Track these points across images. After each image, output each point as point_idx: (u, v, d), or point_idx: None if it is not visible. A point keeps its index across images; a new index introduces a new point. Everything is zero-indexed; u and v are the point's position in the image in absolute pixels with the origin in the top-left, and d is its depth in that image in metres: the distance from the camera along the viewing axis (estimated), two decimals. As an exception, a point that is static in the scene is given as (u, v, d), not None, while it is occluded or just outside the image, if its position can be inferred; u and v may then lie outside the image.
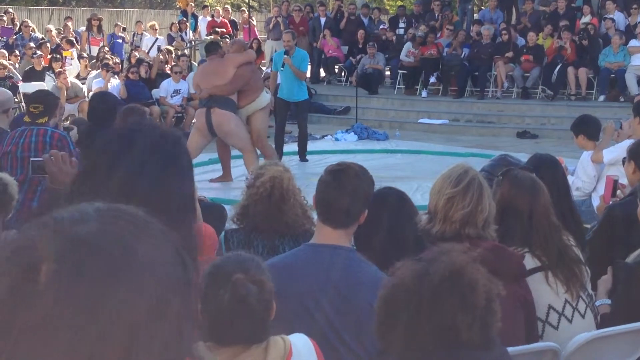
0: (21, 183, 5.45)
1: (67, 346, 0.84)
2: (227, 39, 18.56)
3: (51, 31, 18.16)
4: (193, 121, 14.49)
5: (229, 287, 2.29)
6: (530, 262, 3.35)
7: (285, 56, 11.49)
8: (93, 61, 16.48)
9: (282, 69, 11.55)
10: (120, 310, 0.86)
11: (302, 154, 12.01)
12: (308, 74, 11.85)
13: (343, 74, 18.95)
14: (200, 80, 10.04)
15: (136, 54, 17.05)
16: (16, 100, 10.90)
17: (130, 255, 0.90)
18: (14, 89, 13.11)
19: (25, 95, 13.27)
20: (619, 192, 5.01)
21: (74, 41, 16.70)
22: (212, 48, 10.53)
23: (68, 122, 10.91)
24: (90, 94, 12.52)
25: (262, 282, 2.35)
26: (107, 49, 17.23)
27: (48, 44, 16.46)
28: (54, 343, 0.84)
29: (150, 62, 15.80)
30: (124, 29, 19.82)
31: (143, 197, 2.02)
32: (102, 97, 6.96)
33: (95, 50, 17.70)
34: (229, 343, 2.33)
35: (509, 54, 16.27)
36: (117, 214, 0.95)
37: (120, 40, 18.62)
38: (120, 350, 0.86)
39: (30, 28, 17.74)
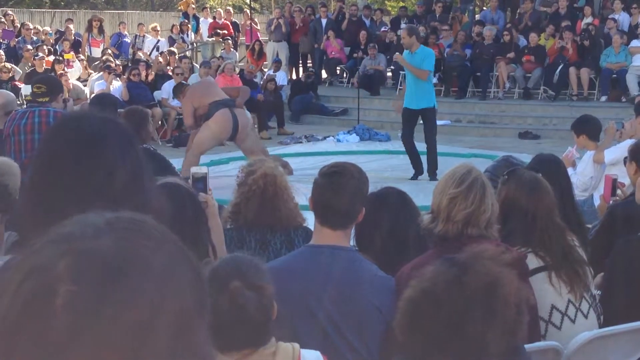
0: (26, 167, 5.45)
1: None
2: (229, 41, 18.60)
3: (47, 33, 18.18)
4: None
5: (227, 295, 2.25)
6: (533, 262, 3.35)
7: (397, 53, 10.69)
8: (96, 63, 16.49)
9: (402, 71, 10.77)
10: (138, 326, 0.84)
11: (432, 171, 10.20)
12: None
13: (345, 75, 18.97)
14: (202, 96, 9.75)
15: (140, 54, 17.08)
16: (18, 102, 10.91)
17: (147, 271, 0.87)
18: (15, 90, 13.14)
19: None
20: (619, 191, 5.02)
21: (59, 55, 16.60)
22: (180, 88, 10.70)
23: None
24: (92, 96, 12.55)
25: (261, 287, 2.32)
26: (109, 50, 17.23)
27: (56, 47, 16.50)
28: None
29: (150, 62, 15.83)
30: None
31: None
32: (101, 99, 6.98)
33: (95, 52, 17.70)
34: (229, 349, 2.31)
35: (511, 55, 16.28)
36: (129, 226, 0.92)
37: (127, 40, 18.64)
38: None
39: (32, 31, 17.75)
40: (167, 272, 0.89)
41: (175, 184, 3.06)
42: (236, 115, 9.59)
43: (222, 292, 2.26)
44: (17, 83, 14.36)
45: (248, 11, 22.60)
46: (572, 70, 15.49)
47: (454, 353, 1.97)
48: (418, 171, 10.28)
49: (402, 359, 2.16)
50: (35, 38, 17.48)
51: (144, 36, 18.86)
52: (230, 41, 18.67)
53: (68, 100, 6.52)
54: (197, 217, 2.95)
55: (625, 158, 5.11)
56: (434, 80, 17.03)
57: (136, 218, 0.95)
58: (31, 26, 18.29)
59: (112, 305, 0.83)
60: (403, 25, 18.97)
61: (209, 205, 3.14)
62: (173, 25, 20.26)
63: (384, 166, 11.47)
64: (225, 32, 19.52)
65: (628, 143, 5.97)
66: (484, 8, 21.93)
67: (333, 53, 18.83)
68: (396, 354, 2.25)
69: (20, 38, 17.31)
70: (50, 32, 18.63)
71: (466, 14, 19.91)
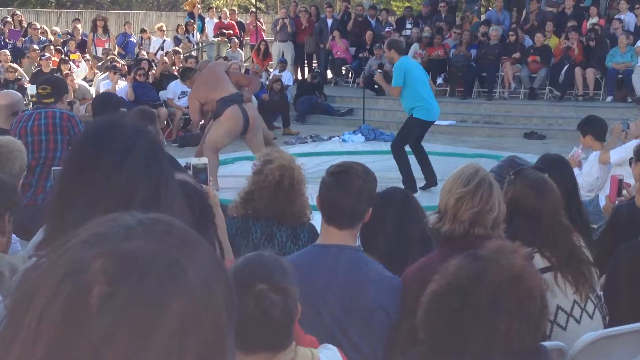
0: (32, 168, 5.50)
1: None
2: (236, 41, 18.62)
3: (56, 33, 18.21)
4: (201, 122, 14.57)
5: (252, 297, 2.21)
6: (539, 262, 3.35)
7: (377, 73, 10.19)
8: (99, 63, 16.51)
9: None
10: (172, 331, 0.84)
11: (408, 186, 8.94)
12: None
13: (350, 75, 18.98)
14: (208, 93, 9.68)
15: (143, 52, 17.10)
16: (25, 102, 10.95)
17: (181, 274, 0.87)
18: (22, 90, 13.16)
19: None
20: (624, 191, 5.01)
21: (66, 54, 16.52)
22: (188, 73, 10.51)
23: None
24: (95, 96, 12.56)
25: (286, 290, 2.29)
26: (111, 50, 17.25)
27: (63, 47, 16.49)
28: None
29: (155, 62, 15.84)
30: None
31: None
32: (104, 98, 6.99)
33: (100, 52, 17.72)
34: (251, 351, 2.28)
35: (516, 55, 16.27)
36: (161, 228, 0.92)
37: (133, 40, 18.66)
38: None
39: (39, 30, 17.78)
40: (200, 275, 0.89)
41: (183, 180, 3.04)
42: (245, 110, 9.52)
43: (247, 294, 2.21)
44: (23, 83, 14.37)
45: (254, 10, 22.59)
46: (577, 70, 15.47)
47: (480, 347, 1.97)
48: (428, 181, 9.57)
49: (419, 354, 2.15)
50: (43, 38, 17.50)
51: (149, 38, 18.85)
52: (236, 41, 18.68)
53: (74, 103, 6.55)
54: (205, 214, 2.94)
55: (631, 159, 5.10)
56: (440, 80, 17.15)
57: (167, 220, 0.94)
58: (38, 26, 18.32)
59: (145, 307, 0.84)
60: (408, 25, 19.03)
61: (210, 196, 3.12)
62: (178, 25, 20.27)
63: (389, 166, 11.41)
64: (231, 32, 19.54)
65: (634, 143, 5.96)
66: (490, 8, 21.90)
67: (338, 53, 18.85)
68: (405, 353, 2.25)
69: (27, 38, 17.33)
70: (59, 33, 18.65)
71: (472, 13, 19.91)
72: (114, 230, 0.90)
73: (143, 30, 19.45)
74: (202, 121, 14.46)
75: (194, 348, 0.86)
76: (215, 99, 9.56)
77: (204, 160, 3.57)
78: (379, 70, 10.27)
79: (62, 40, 17.83)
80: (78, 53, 16.79)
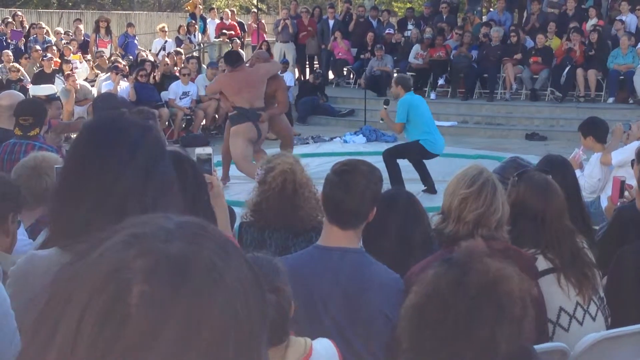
0: None
1: None
2: (237, 41, 18.61)
3: (60, 34, 18.21)
4: (202, 122, 14.57)
5: None
6: (542, 263, 3.35)
7: (382, 110, 9.99)
8: (97, 64, 16.49)
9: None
10: (213, 333, 0.85)
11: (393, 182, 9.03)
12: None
13: (352, 76, 18.98)
14: (233, 93, 9.59)
15: (144, 53, 17.09)
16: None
17: (219, 277, 0.88)
18: (24, 91, 13.15)
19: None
20: (626, 193, 5.01)
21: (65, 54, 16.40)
22: (235, 59, 10.02)
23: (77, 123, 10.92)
24: (96, 96, 12.56)
25: (280, 289, 2.31)
26: (118, 51, 17.23)
27: (68, 47, 16.48)
28: None
29: (156, 63, 15.83)
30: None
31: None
32: (104, 99, 6.96)
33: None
34: None
35: (518, 56, 16.27)
36: (199, 232, 0.93)
37: (135, 41, 18.62)
38: None
39: (44, 30, 17.76)
40: (237, 279, 0.90)
41: (176, 151, 3.03)
42: (260, 130, 9.58)
43: None
44: (25, 84, 14.38)
45: (255, 11, 22.57)
46: (579, 71, 15.46)
47: (465, 354, 1.97)
48: (428, 187, 9.60)
49: None
50: (47, 38, 17.49)
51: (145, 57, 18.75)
52: (237, 41, 18.67)
53: (61, 147, 6.47)
54: (199, 183, 2.89)
55: (633, 160, 5.11)
56: (441, 81, 17.14)
57: (202, 224, 0.96)
58: (43, 25, 18.30)
59: (188, 309, 0.85)
60: (410, 26, 19.04)
61: (214, 186, 3.10)
62: (180, 26, 20.26)
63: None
64: (232, 32, 19.54)
65: (635, 145, 5.96)
66: (491, 9, 21.90)
67: (340, 54, 18.85)
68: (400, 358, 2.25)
69: (31, 38, 17.32)
70: (62, 36, 18.64)
71: (474, 14, 19.91)
72: (153, 232, 0.91)
73: (142, 51, 18.85)
74: (204, 122, 14.53)
75: (231, 350, 0.87)
76: (235, 102, 9.56)
77: (208, 150, 3.56)
78: (384, 107, 10.21)
79: (64, 42, 17.83)
80: (79, 54, 16.79)
